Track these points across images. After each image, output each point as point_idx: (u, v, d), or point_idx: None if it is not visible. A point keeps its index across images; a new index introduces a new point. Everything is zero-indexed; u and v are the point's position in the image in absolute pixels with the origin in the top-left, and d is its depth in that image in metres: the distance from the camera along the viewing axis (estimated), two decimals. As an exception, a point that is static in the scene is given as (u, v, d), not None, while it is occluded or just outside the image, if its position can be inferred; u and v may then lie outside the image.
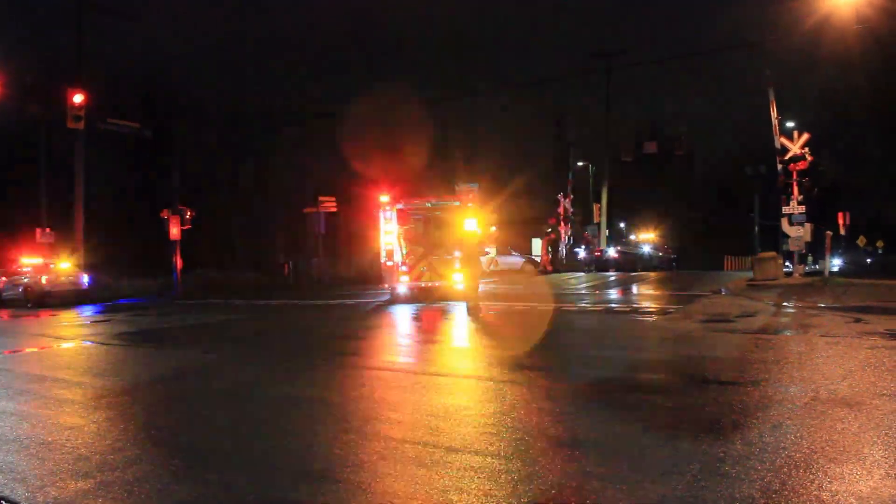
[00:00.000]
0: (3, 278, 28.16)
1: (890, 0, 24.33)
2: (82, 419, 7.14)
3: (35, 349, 13.33)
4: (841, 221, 37.17)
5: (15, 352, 12.78)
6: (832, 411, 6.19)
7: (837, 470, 4.67)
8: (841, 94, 49.03)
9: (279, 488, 4.80)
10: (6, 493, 4.81)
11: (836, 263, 40.64)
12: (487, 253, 33.80)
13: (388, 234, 21.00)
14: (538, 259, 44.55)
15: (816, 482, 4.44)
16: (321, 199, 37.26)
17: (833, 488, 4.34)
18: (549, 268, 38.59)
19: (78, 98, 24.16)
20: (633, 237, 66.69)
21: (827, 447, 5.16)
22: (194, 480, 5.03)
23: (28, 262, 27.72)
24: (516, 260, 40.90)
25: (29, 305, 25.66)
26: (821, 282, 22.79)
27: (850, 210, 38.68)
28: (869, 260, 51.19)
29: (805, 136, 25.40)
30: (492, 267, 37.40)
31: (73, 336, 15.67)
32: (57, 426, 6.76)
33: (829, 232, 25.73)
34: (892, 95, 45.40)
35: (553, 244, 43.62)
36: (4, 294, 27.41)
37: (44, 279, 26.22)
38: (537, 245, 49.21)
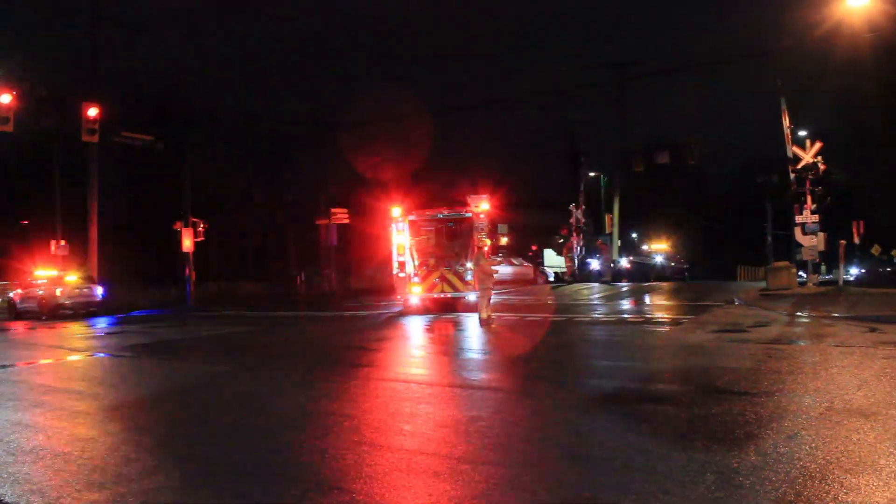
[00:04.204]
0: (19, 291, 28.39)
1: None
2: (97, 431, 7.18)
3: (50, 361, 13.42)
4: (855, 230, 36.89)
5: (30, 364, 12.87)
6: (847, 422, 6.15)
7: (853, 481, 4.63)
8: (853, 101, 48.77)
9: (292, 498, 4.82)
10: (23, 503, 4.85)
11: (850, 273, 40.35)
12: (499, 263, 33.72)
13: (401, 245, 21.04)
14: (547, 268, 44.47)
15: (832, 493, 4.41)
16: (333, 210, 37.38)
17: (849, 499, 4.32)
18: (569, 276, 38.35)
19: (92, 111, 24.30)
20: (645, 247, 66.48)
21: (842, 458, 5.12)
22: (208, 491, 5.05)
23: (43, 275, 27.90)
24: (520, 269, 40.85)
25: (44, 317, 25.81)
26: (835, 291, 22.63)
27: (864, 219, 38.39)
28: (890, 269, 50.72)
29: (818, 145, 25.26)
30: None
31: (87, 348, 15.76)
32: (72, 437, 6.80)
33: (842, 241, 25.57)
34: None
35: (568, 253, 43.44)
36: (20, 306, 27.60)
37: (58, 291, 26.37)
38: (549, 255, 49.14)
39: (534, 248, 44.10)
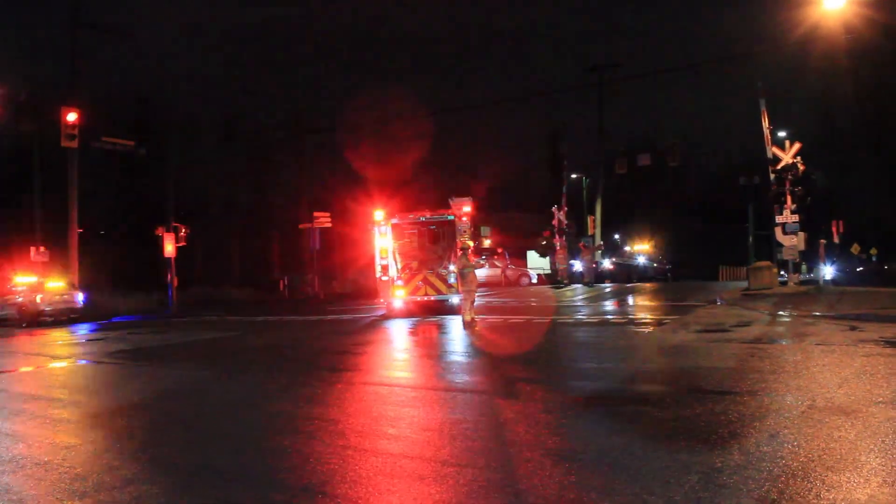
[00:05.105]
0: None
1: (876, 10, 24.53)
2: (78, 438, 7.11)
3: (30, 368, 13.28)
4: (834, 229, 37.31)
5: (10, 371, 12.73)
6: (829, 420, 6.20)
7: (835, 478, 4.68)
8: (831, 102, 49.38)
9: (277, 505, 4.79)
10: (2, 514, 4.80)
11: (830, 271, 40.75)
12: (482, 266, 33.75)
13: (383, 248, 20.97)
14: (530, 270, 44.59)
15: (814, 490, 4.45)
16: (316, 214, 37.25)
17: (830, 496, 4.35)
18: (567, 280, 38.37)
19: (72, 116, 24.06)
20: (627, 248, 66.80)
21: (824, 455, 5.17)
22: (192, 498, 5.02)
23: (22, 281, 27.60)
24: (503, 272, 41.05)
25: (24, 325, 25.54)
26: (816, 290, 22.84)
27: (843, 218, 38.82)
28: (862, 268, 51.29)
29: (797, 146, 25.47)
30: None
31: (68, 355, 15.61)
32: (53, 446, 6.73)
33: (822, 240, 25.81)
34: (880, 103, 45.78)
35: (550, 255, 43.53)
36: (-1, 313, 27.30)
37: (38, 298, 26.11)
38: (532, 257, 49.22)
39: (499, 250, 44.29)
